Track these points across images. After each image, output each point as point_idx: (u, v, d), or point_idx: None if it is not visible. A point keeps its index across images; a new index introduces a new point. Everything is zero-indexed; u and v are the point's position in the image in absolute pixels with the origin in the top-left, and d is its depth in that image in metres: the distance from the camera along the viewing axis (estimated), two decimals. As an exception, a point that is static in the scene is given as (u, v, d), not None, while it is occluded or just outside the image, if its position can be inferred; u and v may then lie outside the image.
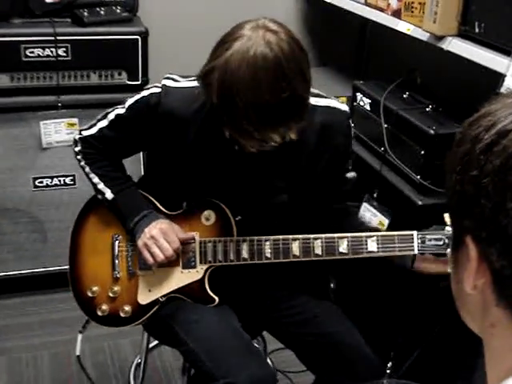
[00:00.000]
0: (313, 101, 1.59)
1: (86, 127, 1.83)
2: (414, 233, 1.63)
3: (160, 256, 1.71)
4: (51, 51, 2.66)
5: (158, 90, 1.66)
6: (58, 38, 2.65)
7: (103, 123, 1.77)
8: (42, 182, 2.84)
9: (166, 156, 1.74)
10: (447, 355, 2.42)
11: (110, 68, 2.77)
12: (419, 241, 1.62)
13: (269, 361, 2.43)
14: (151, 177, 1.87)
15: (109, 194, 1.80)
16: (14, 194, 2.82)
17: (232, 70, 1.40)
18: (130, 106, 1.72)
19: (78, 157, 1.84)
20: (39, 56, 2.65)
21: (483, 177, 0.68)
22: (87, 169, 1.82)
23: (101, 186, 1.81)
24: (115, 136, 1.77)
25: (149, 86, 1.72)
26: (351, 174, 1.88)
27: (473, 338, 0.82)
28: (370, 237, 1.65)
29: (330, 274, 2.84)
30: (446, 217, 1.62)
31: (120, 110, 1.74)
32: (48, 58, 2.66)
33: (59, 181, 2.84)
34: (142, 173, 2.44)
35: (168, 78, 1.68)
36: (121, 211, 1.80)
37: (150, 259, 1.73)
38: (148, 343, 2.23)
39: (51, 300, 2.92)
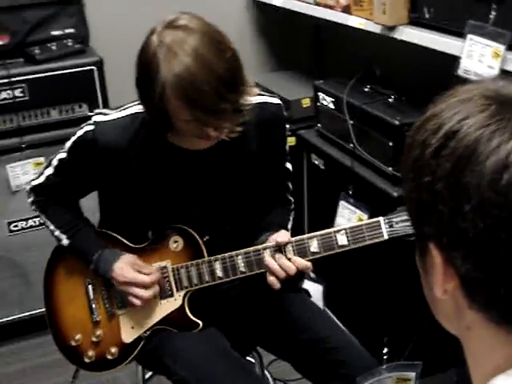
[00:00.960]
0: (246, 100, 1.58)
1: (34, 177, 1.82)
2: (380, 219, 1.63)
3: (139, 304, 1.72)
4: (8, 93, 2.63)
5: (91, 127, 1.66)
6: (13, 79, 2.62)
7: (49, 171, 1.77)
8: (17, 226, 2.80)
9: (117, 189, 1.73)
10: (442, 342, 2.41)
11: (70, 102, 2.75)
12: (387, 226, 1.62)
13: (267, 373, 2.40)
14: (109, 214, 1.84)
15: (65, 241, 1.79)
16: (-10, 241, 2.78)
17: (180, 70, 1.42)
18: (69, 149, 1.72)
19: (33, 207, 1.83)
20: (-4, 100, 2.62)
21: (436, 182, 0.67)
22: (43, 217, 1.82)
23: (57, 232, 1.80)
24: (62, 181, 1.76)
25: (82, 124, 1.71)
26: (289, 165, 1.90)
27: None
28: (339, 231, 1.64)
29: (319, 275, 2.83)
30: None
31: (62, 155, 1.74)
32: (5, 101, 2.63)
33: (34, 222, 2.80)
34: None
35: (98, 114, 1.68)
36: (80, 256, 1.79)
37: (138, 302, 1.72)
38: (144, 374, 2.20)
39: (43, 343, 2.87)
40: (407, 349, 2.24)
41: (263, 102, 1.72)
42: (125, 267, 1.72)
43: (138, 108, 1.64)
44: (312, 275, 2.89)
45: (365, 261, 2.46)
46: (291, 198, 1.94)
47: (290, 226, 1.87)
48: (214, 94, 1.43)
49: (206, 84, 1.42)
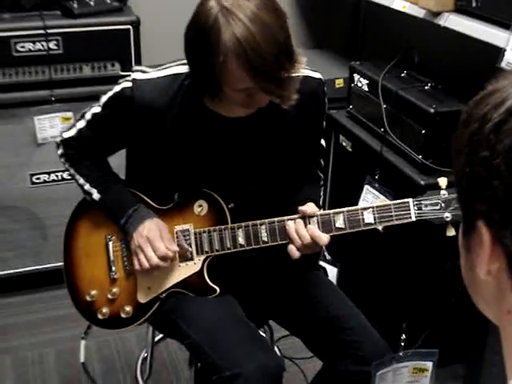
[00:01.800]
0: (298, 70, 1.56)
1: (66, 129, 1.81)
2: (410, 200, 1.61)
3: (145, 265, 1.70)
4: (42, 45, 2.62)
5: (129, 84, 1.63)
6: (49, 31, 2.61)
7: (81, 124, 1.75)
8: (39, 179, 2.80)
9: (149, 149, 1.71)
10: (458, 332, 2.40)
11: (103, 59, 2.73)
12: (415, 207, 1.60)
13: (276, 349, 2.41)
14: (135, 173, 1.83)
15: (96, 195, 1.78)
16: (11, 192, 2.78)
17: (242, 36, 1.39)
18: (104, 104, 1.69)
19: (62, 159, 1.82)
20: (30, 50, 2.61)
21: (494, 157, 0.65)
22: (72, 170, 1.81)
23: (87, 186, 1.79)
24: (94, 135, 1.75)
25: (120, 80, 1.68)
26: (323, 142, 1.89)
27: (483, 317, 0.80)
28: (366, 209, 1.63)
29: (334, 257, 2.82)
30: (440, 181, 1.62)
31: (96, 109, 1.72)
32: (39, 52, 2.62)
33: (56, 176, 2.81)
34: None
35: (137, 71, 1.66)
36: (110, 210, 1.78)
37: (137, 267, 1.72)
38: (153, 337, 2.21)
39: (55, 296, 2.90)
40: (421, 337, 2.23)
41: (305, 76, 1.69)
42: (153, 227, 1.71)
43: (179, 69, 1.62)
44: (327, 257, 2.88)
45: (382, 244, 2.44)
46: (321, 175, 1.93)
47: (320, 203, 1.85)
48: (275, 62, 1.42)
49: (268, 52, 1.40)
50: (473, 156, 0.67)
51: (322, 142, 1.87)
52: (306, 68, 1.70)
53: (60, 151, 1.81)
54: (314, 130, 1.80)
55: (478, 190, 0.68)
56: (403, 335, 2.32)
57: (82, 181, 1.79)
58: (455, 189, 0.74)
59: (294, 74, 1.50)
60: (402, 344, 2.30)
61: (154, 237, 1.69)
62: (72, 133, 1.77)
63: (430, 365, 1.74)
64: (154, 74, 1.65)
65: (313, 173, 1.90)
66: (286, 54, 1.45)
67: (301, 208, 1.65)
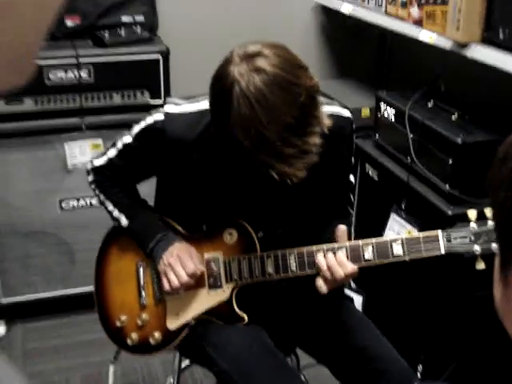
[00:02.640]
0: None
1: (96, 156, 1.85)
2: (439, 232, 1.61)
3: (175, 283, 1.72)
4: (74, 74, 2.68)
5: (162, 117, 1.67)
6: (80, 60, 2.67)
7: (112, 153, 1.79)
8: (68, 204, 2.85)
9: (178, 180, 1.74)
10: (485, 366, 2.38)
11: (133, 88, 2.78)
12: (445, 240, 1.60)
13: (302, 376, 2.40)
14: (165, 201, 1.86)
15: (124, 221, 1.81)
16: (40, 217, 2.83)
17: (246, 114, 1.41)
18: (136, 135, 1.73)
19: (92, 186, 1.86)
20: (62, 79, 2.67)
21: None
22: (102, 197, 1.84)
23: (116, 213, 1.82)
24: (124, 164, 1.78)
25: (152, 111, 1.71)
26: (352, 178, 1.91)
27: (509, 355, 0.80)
28: (395, 240, 1.63)
29: (360, 286, 2.82)
30: (470, 213, 1.61)
31: (127, 139, 1.75)
32: (71, 81, 2.68)
33: (85, 202, 2.85)
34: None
35: (169, 103, 1.69)
36: (138, 237, 1.81)
37: (167, 286, 1.74)
38: (180, 363, 2.21)
39: (82, 321, 2.93)
40: (443, 373, 2.21)
41: (334, 114, 1.68)
42: (183, 248, 1.74)
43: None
44: (353, 285, 2.88)
45: (408, 273, 2.43)
46: (351, 211, 1.93)
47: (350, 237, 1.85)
48: (278, 141, 1.42)
49: (272, 131, 1.40)
50: None
51: (351, 177, 1.88)
52: (336, 105, 1.72)
53: (90, 178, 1.85)
54: (343, 166, 1.81)
55: None
56: (420, 366, 2.31)
57: (111, 207, 1.83)
58: (493, 223, 0.75)
59: (308, 146, 1.47)
60: (419, 375, 2.28)
61: (184, 255, 1.72)
62: (103, 161, 1.81)
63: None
64: (186, 107, 1.68)
65: (342, 208, 1.91)
66: (293, 131, 1.43)
67: (336, 234, 1.66)
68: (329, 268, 1.63)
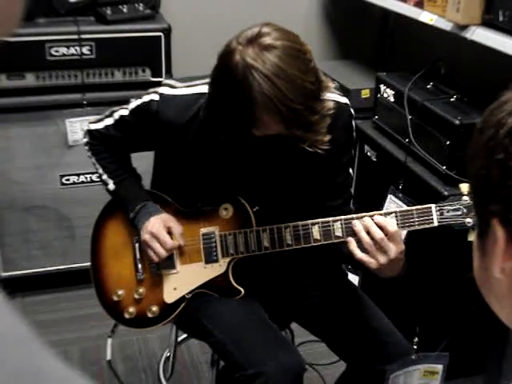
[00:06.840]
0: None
1: (94, 120, 1.88)
2: (432, 205, 1.64)
3: (155, 259, 1.77)
4: (75, 50, 2.68)
5: (157, 97, 1.69)
6: (82, 36, 2.67)
7: (109, 121, 1.82)
8: (68, 180, 2.87)
9: (172, 159, 1.77)
10: (476, 343, 2.41)
11: (134, 65, 2.79)
12: (438, 213, 1.63)
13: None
14: (162, 177, 1.89)
15: (111, 185, 1.86)
16: (41, 192, 2.85)
17: (271, 93, 1.42)
18: (132, 111, 1.76)
19: (86, 147, 1.90)
20: (64, 55, 2.68)
21: (509, 159, 0.69)
22: (93, 159, 1.89)
23: (104, 176, 1.87)
24: (119, 135, 1.82)
25: (150, 90, 1.73)
26: (351, 171, 1.86)
27: (502, 326, 0.82)
28: (389, 213, 1.65)
29: (355, 266, 2.84)
30: (462, 187, 1.65)
31: (124, 112, 1.79)
32: (72, 57, 2.69)
33: (86, 178, 2.87)
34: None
35: (166, 85, 1.71)
36: (122, 203, 1.85)
37: (154, 257, 1.77)
38: (176, 337, 2.25)
39: (81, 296, 2.96)
40: (439, 345, 2.24)
41: (333, 100, 1.66)
42: (158, 222, 1.77)
43: (205, 88, 1.63)
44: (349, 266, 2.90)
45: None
46: (353, 208, 1.88)
47: None
48: (306, 110, 1.45)
49: (298, 103, 1.43)
50: (488, 159, 0.72)
51: (350, 170, 1.84)
52: (334, 92, 1.73)
53: (85, 139, 1.89)
54: (338, 152, 1.76)
55: (493, 191, 0.72)
56: (416, 338, 2.34)
57: (100, 170, 1.88)
58: (471, 193, 0.78)
59: (324, 110, 1.52)
60: (415, 347, 2.32)
61: (158, 231, 1.75)
62: (99, 126, 1.85)
63: (440, 368, 1.76)
64: (181, 90, 1.70)
65: (344, 205, 1.86)
66: (315, 97, 1.47)
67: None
68: (368, 230, 1.59)
